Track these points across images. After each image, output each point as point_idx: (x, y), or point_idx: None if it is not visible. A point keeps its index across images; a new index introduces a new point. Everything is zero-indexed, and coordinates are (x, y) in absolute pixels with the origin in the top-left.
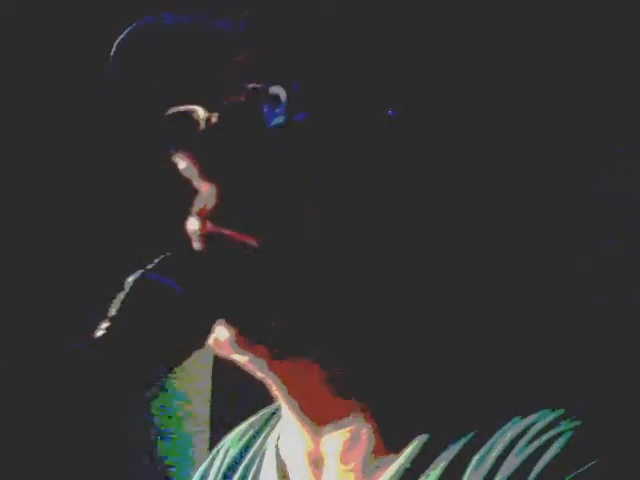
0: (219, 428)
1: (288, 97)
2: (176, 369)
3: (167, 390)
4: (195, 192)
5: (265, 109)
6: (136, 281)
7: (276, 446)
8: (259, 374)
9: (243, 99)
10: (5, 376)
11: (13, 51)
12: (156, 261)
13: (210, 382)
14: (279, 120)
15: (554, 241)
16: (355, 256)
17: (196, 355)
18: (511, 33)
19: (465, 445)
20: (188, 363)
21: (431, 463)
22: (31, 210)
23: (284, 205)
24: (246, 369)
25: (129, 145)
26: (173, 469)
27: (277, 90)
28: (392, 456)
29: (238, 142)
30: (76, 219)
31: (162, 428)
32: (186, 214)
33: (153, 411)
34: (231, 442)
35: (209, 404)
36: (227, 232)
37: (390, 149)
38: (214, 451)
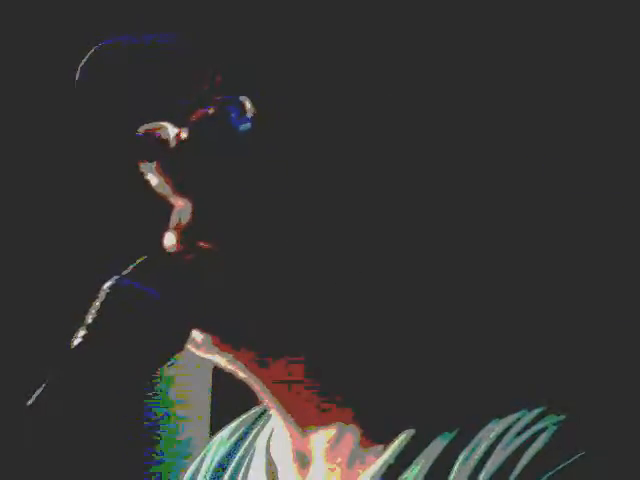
0: (219, 427)
1: (254, 103)
2: (177, 369)
3: (166, 390)
4: (171, 206)
5: (233, 116)
6: (112, 287)
7: (265, 444)
8: (241, 375)
9: (211, 112)
10: None
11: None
12: (132, 267)
13: (210, 382)
14: (247, 126)
15: (539, 241)
16: (334, 259)
17: (196, 356)
18: (499, 34)
19: (451, 441)
20: (188, 363)
21: (416, 458)
22: (10, 218)
23: (260, 213)
24: (226, 371)
25: (105, 154)
26: (172, 470)
27: (243, 97)
28: (377, 451)
29: (209, 156)
30: (52, 227)
31: (159, 428)
32: (161, 218)
33: (149, 412)
34: (220, 441)
35: (209, 404)
36: (204, 246)
37: (366, 152)
38: (205, 449)
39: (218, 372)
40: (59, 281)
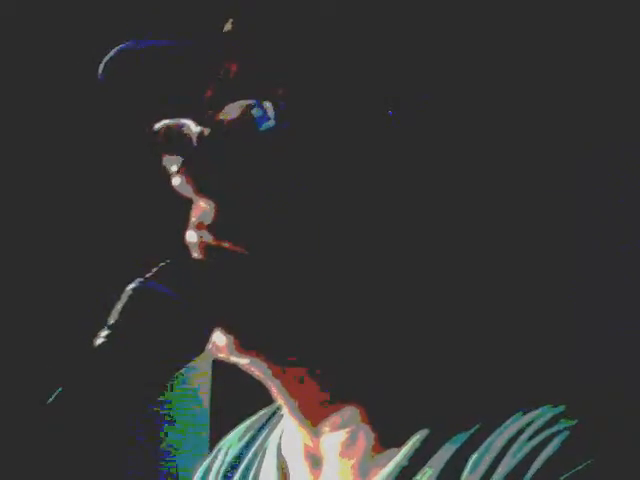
0: (219, 428)
1: (277, 102)
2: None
3: (167, 391)
4: (192, 205)
5: (255, 117)
6: (135, 289)
7: (277, 445)
8: (259, 376)
9: (233, 113)
10: (5, 384)
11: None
12: (155, 269)
13: (210, 381)
14: (270, 124)
15: (554, 239)
16: (350, 261)
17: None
18: (507, 33)
19: (462, 444)
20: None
21: (428, 461)
22: (33, 218)
23: (280, 215)
24: (246, 371)
25: (127, 154)
26: (174, 469)
27: (266, 100)
28: (390, 454)
29: (232, 156)
30: (75, 228)
31: (162, 429)
32: (184, 221)
33: (154, 414)
34: (231, 441)
35: (209, 404)
36: (226, 245)
37: (385, 153)
38: (214, 451)
39: (218, 373)
40: (83, 282)
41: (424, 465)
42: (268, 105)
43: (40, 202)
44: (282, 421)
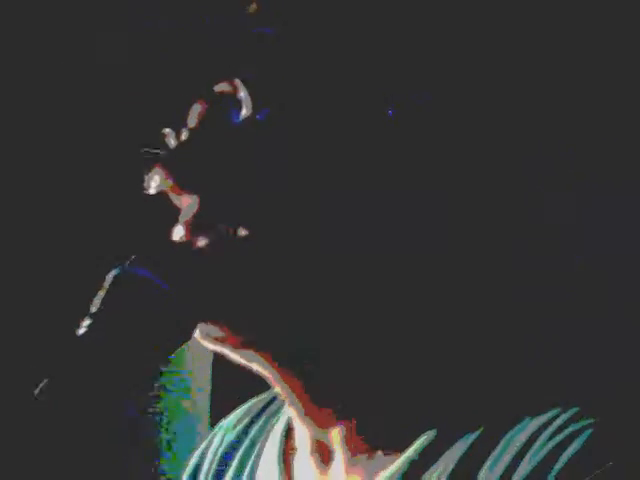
0: (219, 419)
1: (251, 92)
2: (176, 360)
3: (166, 380)
4: (174, 203)
5: (230, 110)
6: (117, 276)
7: (279, 434)
8: (255, 368)
9: (207, 109)
10: None
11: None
12: (137, 255)
13: (210, 374)
14: (243, 115)
15: (559, 238)
16: (347, 254)
17: (196, 346)
18: (509, 33)
19: (478, 442)
20: (188, 355)
21: (440, 457)
22: (11, 210)
23: (267, 202)
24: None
25: (111, 149)
26: (172, 465)
27: (240, 93)
28: (400, 451)
29: (209, 149)
30: (55, 219)
31: (160, 421)
32: (168, 207)
33: (150, 404)
34: (227, 427)
35: (209, 397)
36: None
37: (364, 146)
38: (209, 436)
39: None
40: (64, 271)
41: (436, 461)
42: (241, 95)
43: (20, 194)
44: (283, 408)
